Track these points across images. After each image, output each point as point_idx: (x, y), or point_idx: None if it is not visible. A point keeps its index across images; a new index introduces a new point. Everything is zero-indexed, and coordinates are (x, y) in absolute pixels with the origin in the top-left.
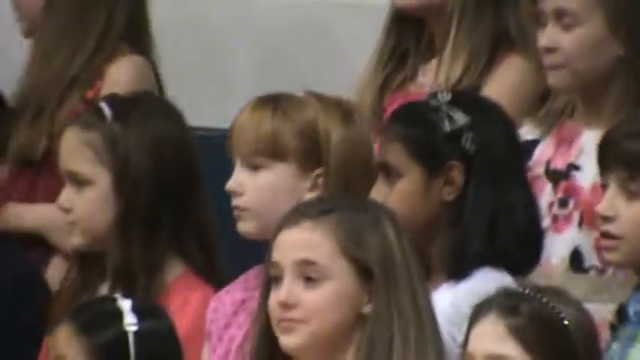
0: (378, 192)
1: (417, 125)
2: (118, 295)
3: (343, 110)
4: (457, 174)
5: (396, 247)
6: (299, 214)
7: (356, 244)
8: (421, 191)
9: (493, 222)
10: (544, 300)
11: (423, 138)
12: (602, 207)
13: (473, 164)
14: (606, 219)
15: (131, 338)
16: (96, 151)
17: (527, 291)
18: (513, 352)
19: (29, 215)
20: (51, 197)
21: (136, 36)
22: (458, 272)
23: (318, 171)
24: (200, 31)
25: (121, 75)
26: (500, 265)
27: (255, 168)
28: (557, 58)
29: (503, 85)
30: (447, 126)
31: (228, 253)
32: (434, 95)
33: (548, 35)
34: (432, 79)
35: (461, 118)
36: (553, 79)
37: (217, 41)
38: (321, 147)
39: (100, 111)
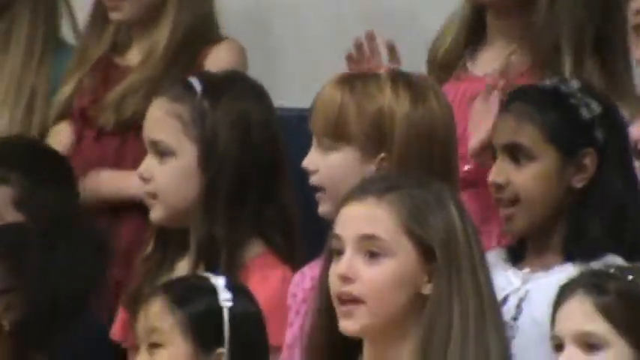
0: (502, 171)
1: (555, 110)
2: (209, 274)
3: (416, 91)
4: (590, 162)
5: (460, 228)
6: (363, 189)
7: (419, 222)
8: (553, 175)
9: (622, 211)
10: (630, 277)
11: (563, 123)
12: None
13: (604, 153)
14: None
15: (226, 314)
16: (183, 123)
17: (612, 270)
18: (602, 329)
19: (135, 181)
20: (139, 165)
21: (214, 20)
22: (579, 254)
23: (382, 155)
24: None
25: (223, 58)
26: (622, 254)
27: (325, 148)
28: None
29: None
30: (585, 113)
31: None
32: (563, 81)
33: None
34: (486, 68)
35: (597, 107)
36: None
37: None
38: (385, 132)
39: (190, 86)
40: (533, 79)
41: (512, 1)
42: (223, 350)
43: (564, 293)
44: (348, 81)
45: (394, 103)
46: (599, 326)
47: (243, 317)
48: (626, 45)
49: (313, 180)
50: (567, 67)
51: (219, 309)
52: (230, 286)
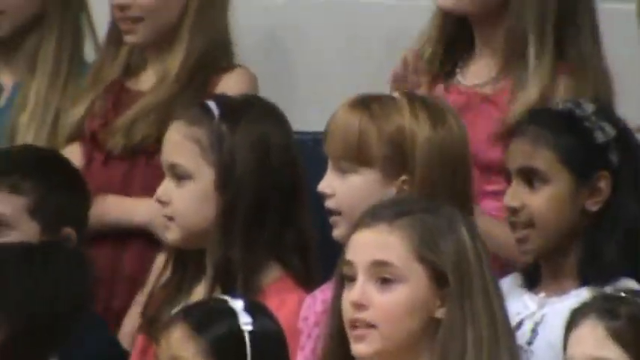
0: (517, 195)
1: (570, 134)
2: (227, 297)
3: (434, 113)
4: (605, 185)
5: (472, 252)
6: (374, 215)
7: (430, 248)
8: (568, 199)
9: (637, 235)
10: None
11: (577, 147)
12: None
13: (619, 176)
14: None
15: (247, 337)
16: (201, 147)
17: (624, 294)
18: (614, 355)
19: (140, 209)
20: (147, 190)
21: (229, 46)
22: (594, 278)
23: (403, 177)
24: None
25: (233, 86)
26: (637, 277)
27: (343, 171)
28: None
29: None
30: (600, 137)
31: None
32: (577, 105)
33: None
34: (474, 80)
35: (611, 130)
36: None
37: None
38: (406, 154)
39: (207, 109)
40: (508, 79)
41: (487, 10)
42: None
43: (576, 317)
44: (364, 104)
45: (415, 125)
46: (611, 352)
47: (265, 338)
48: (594, 23)
49: (329, 204)
50: (532, 52)
51: (241, 332)
52: (249, 308)
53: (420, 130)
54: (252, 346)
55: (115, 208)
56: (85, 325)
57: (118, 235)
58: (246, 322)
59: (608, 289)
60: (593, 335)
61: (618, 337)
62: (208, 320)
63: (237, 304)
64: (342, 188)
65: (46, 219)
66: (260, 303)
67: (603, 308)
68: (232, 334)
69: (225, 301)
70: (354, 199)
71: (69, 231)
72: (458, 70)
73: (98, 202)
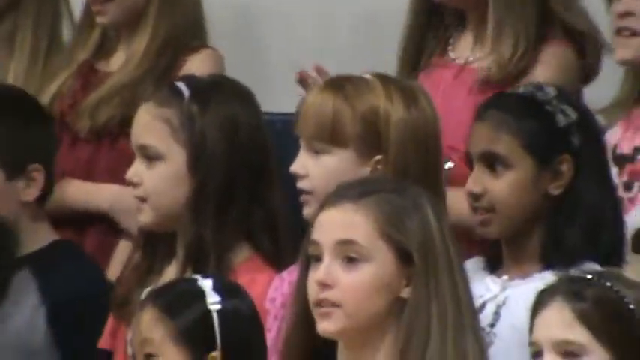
0: (479, 181)
1: (531, 118)
2: (198, 276)
3: (407, 94)
4: (567, 168)
5: (437, 232)
6: (339, 195)
7: (396, 227)
8: (530, 184)
9: (598, 218)
10: (608, 284)
11: (539, 131)
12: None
13: (580, 159)
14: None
15: (215, 317)
16: (172, 128)
17: (589, 276)
18: (581, 337)
19: (102, 194)
20: (111, 174)
21: (201, 27)
22: (557, 262)
23: (377, 158)
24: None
25: (198, 68)
26: (598, 260)
27: (316, 152)
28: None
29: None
30: (561, 120)
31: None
32: (538, 88)
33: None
34: (464, 54)
35: (572, 113)
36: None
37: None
38: (380, 134)
39: (177, 90)
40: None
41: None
42: (216, 354)
43: (543, 299)
44: (337, 84)
45: (389, 105)
46: (577, 334)
47: (235, 317)
48: None
49: (302, 185)
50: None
51: (209, 313)
52: (219, 287)
53: (393, 110)
54: (220, 325)
55: (77, 192)
56: (66, 254)
57: (80, 220)
58: (213, 302)
59: (574, 272)
60: (559, 317)
61: (585, 319)
62: (177, 302)
63: (206, 283)
64: (315, 169)
65: (10, 160)
66: (234, 282)
67: (570, 290)
68: (200, 315)
69: (195, 281)
70: (327, 180)
71: (36, 167)
72: (450, 47)
73: (62, 185)
